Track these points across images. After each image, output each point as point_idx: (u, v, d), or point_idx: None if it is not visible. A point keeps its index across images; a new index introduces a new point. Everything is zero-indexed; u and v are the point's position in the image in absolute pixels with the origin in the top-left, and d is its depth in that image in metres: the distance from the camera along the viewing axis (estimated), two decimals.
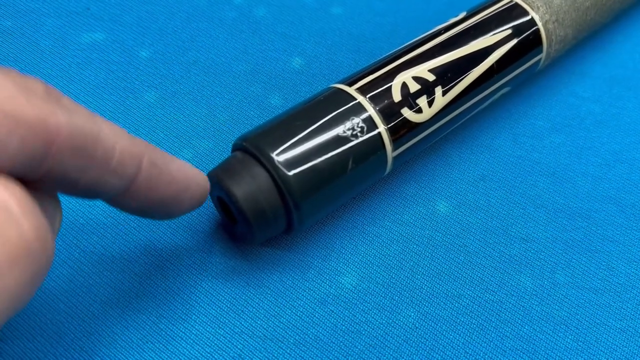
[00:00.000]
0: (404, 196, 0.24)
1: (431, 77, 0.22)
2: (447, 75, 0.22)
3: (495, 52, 0.23)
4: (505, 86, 0.25)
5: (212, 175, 0.20)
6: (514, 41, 0.24)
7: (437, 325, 0.21)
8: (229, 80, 0.27)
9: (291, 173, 0.19)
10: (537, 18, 0.25)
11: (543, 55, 0.25)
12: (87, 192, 0.15)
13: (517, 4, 0.25)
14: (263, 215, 0.19)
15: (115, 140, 0.15)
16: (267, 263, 0.21)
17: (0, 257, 0.12)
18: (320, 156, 0.19)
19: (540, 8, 0.25)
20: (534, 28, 0.25)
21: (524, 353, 0.20)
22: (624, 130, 0.27)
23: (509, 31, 0.24)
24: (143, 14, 0.29)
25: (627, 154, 0.26)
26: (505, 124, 0.27)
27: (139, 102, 0.26)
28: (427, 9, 0.31)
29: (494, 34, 0.24)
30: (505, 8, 0.25)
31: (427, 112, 0.22)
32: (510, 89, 0.25)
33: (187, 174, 0.17)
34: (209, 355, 0.19)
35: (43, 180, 0.14)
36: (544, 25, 0.25)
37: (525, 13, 0.25)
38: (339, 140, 0.20)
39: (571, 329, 0.21)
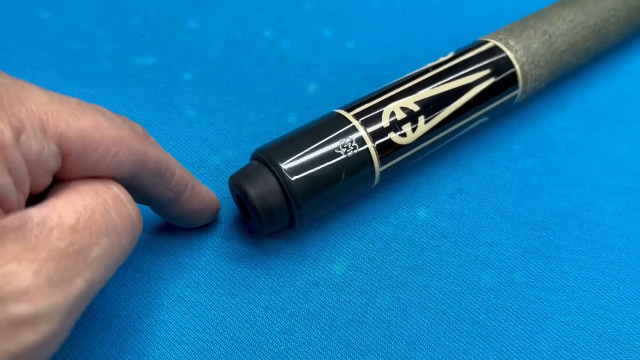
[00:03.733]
0: (390, 203, 0.29)
1: (416, 108, 0.27)
2: (429, 107, 0.27)
3: (473, 89, 0.28)
4: (483, 117, 0.29)
5: (233, 178, 0.25)
6: (491, 80, 0.29)
7: (407, 308, 0.25)
8: (255, 101, 0.32)
9: (294, 179, 0.24)
10: (514, 60, 0.29)
11: (519, 91, 0.30)
12: (151, 200, 0.22)
13: (497, 47, 0.30)
14: (271, 212, 0.24)
15: (175, 168, 0.22)
16: (273, 250, 0.26)
17: (121, 226, 0.18)
18: (318, 167, 0.25)
19: (519, 51, 0.30)
20: (511, 69, 0.29)
21: (478, 335, 0.25)
22: (593, 156, 0.31)
23: (488, 71, 0.29)
24: (187, 42, 0.35)
25: (592, 177, 0.30)
26: (485, 147, 0.31)
27: (181, 117, 0.31)
28: (430, 44, 0.36)
29: (474, 73, 0.28)
30: (487, 50, 0.29)
31: (411, 137, 0.27)
32: (489, 118, 0.30)
33: (211, 196, 0.25)
34: (221, 318, 0.24)
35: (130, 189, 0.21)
36: (521, 66, 0.29)
37: (504, 56, 0.29)
38: (334, 155, 0.25)
39: (521, 320, 0.25)
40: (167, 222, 0.27)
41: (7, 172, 0.15)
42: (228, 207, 0.28)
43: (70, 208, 0.17)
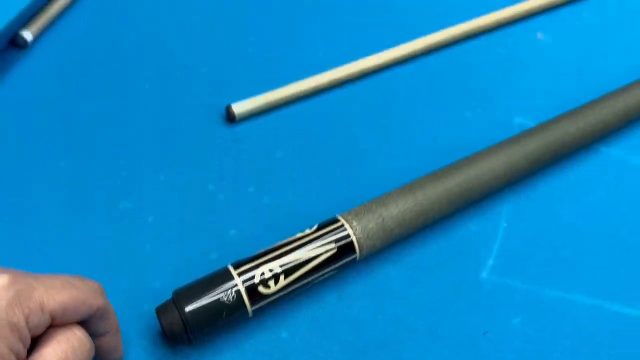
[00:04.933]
0: (264, 326, 0.44)
1: (279, 269, 0.43)
2: (289, 268, 0.43)
3: (321, 256, 0.44)
4: (331, 272, 0.45)
5: (155, 310, 0.41)
6: (335, 250, 0.44)
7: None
8: (190, 241, 0.48)
9: (189, 313, 0.40)
10: (353, 236, 0.45)
11: (357, 255, 0.45)
12: (90, 330, 0.36)
13: (343, 225, 0.45)
14: (174, 335, 0.40)
15: (111, 314, 0.37)
16: (180, 353, 0.42)
17: (83, 355, 0.33)
18: (208, 308, 0.40)
19: (357, 229, 0.45)
20: (350, 244, 0.45)
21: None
22: (411, 300, 0.46)
23: (333, 244, 0.44)
24: (156, 192, 0.51)
25: (405, 317, 0.45)
26: (335, 288, 0.47)
27: (142, 251, 0.47)
28: (318, 206, 0.51)
29: (323, 245, 0.44)
30: (336, 227, 0.45)
31: (273, 288, 0.42)
32: (337, 272, 0.46)
33: (121, 346, 0.39)
34: None
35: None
36: (357, 240, 0.45)
37: (345, 232, 0.45)
38: (219, 301, 0.41)
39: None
40: None
41: (20, 342, 0.31)
42: (156, 328, 0.44)
43: (54, 354, 0.32)
